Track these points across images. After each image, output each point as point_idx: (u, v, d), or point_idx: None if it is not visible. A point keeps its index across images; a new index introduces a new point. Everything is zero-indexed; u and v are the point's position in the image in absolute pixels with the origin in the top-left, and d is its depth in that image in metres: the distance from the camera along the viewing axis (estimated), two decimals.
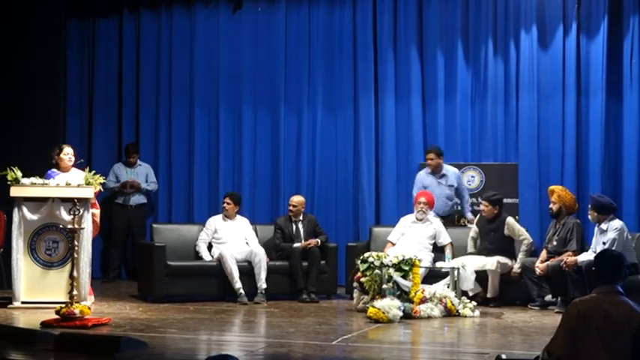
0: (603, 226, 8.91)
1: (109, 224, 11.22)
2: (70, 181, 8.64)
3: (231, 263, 9.51)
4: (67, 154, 9.06)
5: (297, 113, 11.59)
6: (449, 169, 10.40)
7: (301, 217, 10.15)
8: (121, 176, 11.44)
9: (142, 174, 11.53)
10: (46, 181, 8.67)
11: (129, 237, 11.56)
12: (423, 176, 10.39)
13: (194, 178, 11.75)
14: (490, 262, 9.28)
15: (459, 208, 10.51)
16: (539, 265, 9.09)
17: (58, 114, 11.41)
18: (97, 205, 9.04)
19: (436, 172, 10.33)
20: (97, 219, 8.96)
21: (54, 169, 8.99)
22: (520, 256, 9.43)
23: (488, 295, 9.27)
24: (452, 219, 10.50)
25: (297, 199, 10.25)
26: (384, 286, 8.52)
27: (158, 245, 9.54)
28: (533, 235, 10.13)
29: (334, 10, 11.51)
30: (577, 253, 9.01)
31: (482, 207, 9.79)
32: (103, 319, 7.69)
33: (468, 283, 9.04)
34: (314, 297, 9.60)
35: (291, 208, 10.13)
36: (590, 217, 9.07)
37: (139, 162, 11.58)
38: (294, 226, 10.11)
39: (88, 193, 8.59)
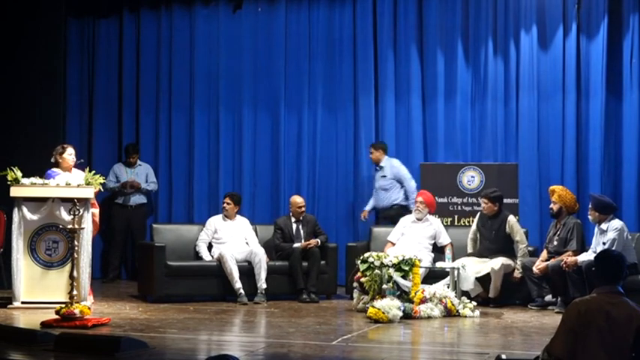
0: (603, 226, 8.90)
1: (109, 224, 11.24)
2: (71, 181, 8.63)
3: (231, 263, 9.51)
4: (71, 154, 9.04)
5: (297, 113, 11.59)
6: (386, 161, 10.65)
7: (301, 217, 10.14)
8: (121, 176, 11.43)
9: (142, 174, 11.53)
10: (46, 181, 8.66)
11: (129, 237, 11.56)
12: (374, 173, 10.78)
13: (194, 178, 11.75)
14: (495, 264, 9.25)
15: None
16: (539, 266, 9.08)
17: (58, 114, 11.40)
18: (97, 204, 9.04)
19: (378, 166, 10.65)
20: (97, 219, 8.97)
21: (54, 169, 8.96)
22: (517, 261, 9.41)
23: (490, 295, 9.25)
24: (392, 213, 10.48)
25: (300, 199, 10.24)
26: (384, 286, 8.51)
27: (158, 245, 9.54)
28: (533, 235, 10.16)
29: (334, 10, 11.51)
30: (577, 253, 8.99)
31: (482, 204, 9.76)
32: (103, 319, 7.69)
33: (468, 283, 9.04)
34: (314, 297, 9.59)
35: (303, 209, 10.10)
36: (590, 217, 9.05)
37: (139, 162, 11.58)
38: (294, 226, 10.10)
39: (88, 193, 8.59)
